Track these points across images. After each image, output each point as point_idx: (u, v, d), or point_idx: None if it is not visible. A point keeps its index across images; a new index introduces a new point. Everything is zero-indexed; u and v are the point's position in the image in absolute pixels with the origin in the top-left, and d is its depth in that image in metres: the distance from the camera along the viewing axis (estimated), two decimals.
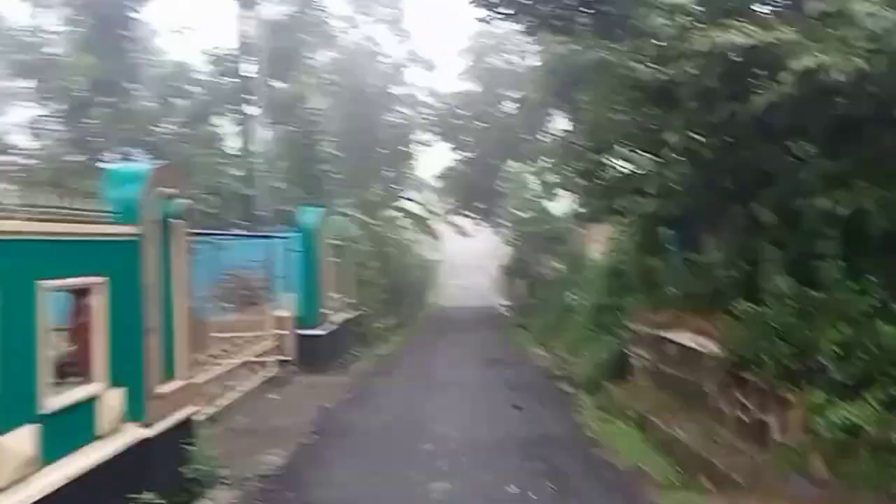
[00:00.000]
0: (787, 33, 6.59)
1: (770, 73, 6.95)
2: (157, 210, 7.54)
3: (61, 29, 19.47)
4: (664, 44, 8.24)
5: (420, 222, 33.27)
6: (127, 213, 7.14)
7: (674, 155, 8.38)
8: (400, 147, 30.34)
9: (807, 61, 6.26)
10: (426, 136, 31.82)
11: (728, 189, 9.27)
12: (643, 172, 8.97)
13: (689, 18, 7.33)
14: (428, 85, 31.98)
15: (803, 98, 6.92)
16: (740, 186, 8.92)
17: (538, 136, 27.70)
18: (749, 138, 8.14)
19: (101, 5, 18.14)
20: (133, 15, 19.57)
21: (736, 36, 6.73)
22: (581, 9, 11.26)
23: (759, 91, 7.20)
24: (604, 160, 11.48)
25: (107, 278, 6.64)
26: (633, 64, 8.48)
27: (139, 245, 7.22)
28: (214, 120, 22.83)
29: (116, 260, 6.92)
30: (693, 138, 7.92)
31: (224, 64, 22.17)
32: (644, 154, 9.51)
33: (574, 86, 14.34)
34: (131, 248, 7.17)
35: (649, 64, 8.29)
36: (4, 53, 20.51)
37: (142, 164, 8.99)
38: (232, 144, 23.01)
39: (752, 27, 6.76)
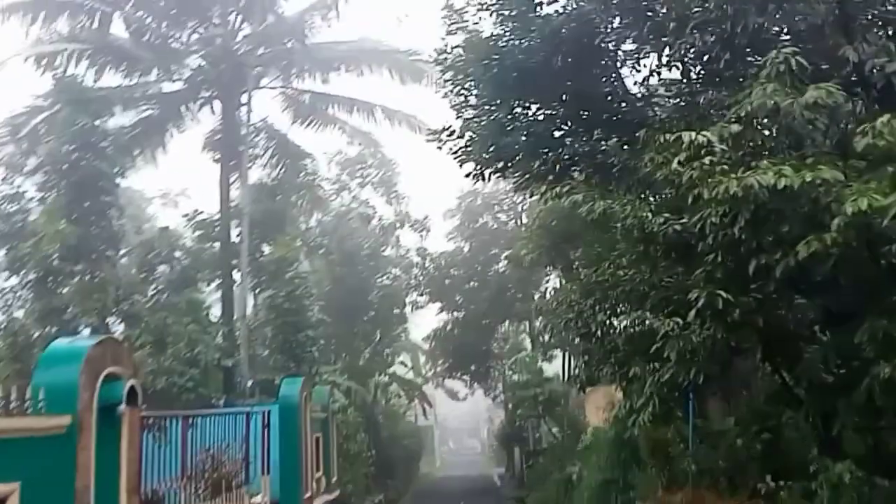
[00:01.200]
0: (830, 172, 5.72)
1: (810, 219, 6.01)
2: (97, 395, 6.24)
3: (38, 195, 18.87)
4: (672, 191, 7.44)
5: (411, 387, 31.66)
6: (58, 401, 5.87)
7: (696, 315, 7.26)
8: (390, 309, 29.34)
9: (858, 204, 5.32)
10: (417, 298, 30.94)
11: (755, 350, 8.17)
12: (657, 334, 7.82)
13: (711, 159, 6.50)
14: (418, 244, 31.50)
15: (848, 247, 5.96)
16: (771, 348, 7.82)
17: (533, 295, 26.86)
18: (783, 294, 7.11)
19: (80, 170, 17.60)
20: (116, 181, 19.11)
21: (769, 177, 5.85)
22: (576, 160, 10.67)
23: (792, 239, 6.27)
24: (606, 320, 10.41)
25: (16, 485, 5.23)
26: (643, 214, 7.60)
27: (71, 439, 5.88)
28: (197, 286, 21.91)
29: (36, 460, 5.54)
30: (719, 296, 6.85)
31: (209, 228, 21.58)
32: (657, 314, 8.40)
33: (570, 241, 13.64)
34: (60, 444, 5.83)
35: (663, 213, 7.42)
36: None
37: (81, 340, 7.79)
38: (215, 311, 21.94)
39: (786, 167, 5.90)
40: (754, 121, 6.89)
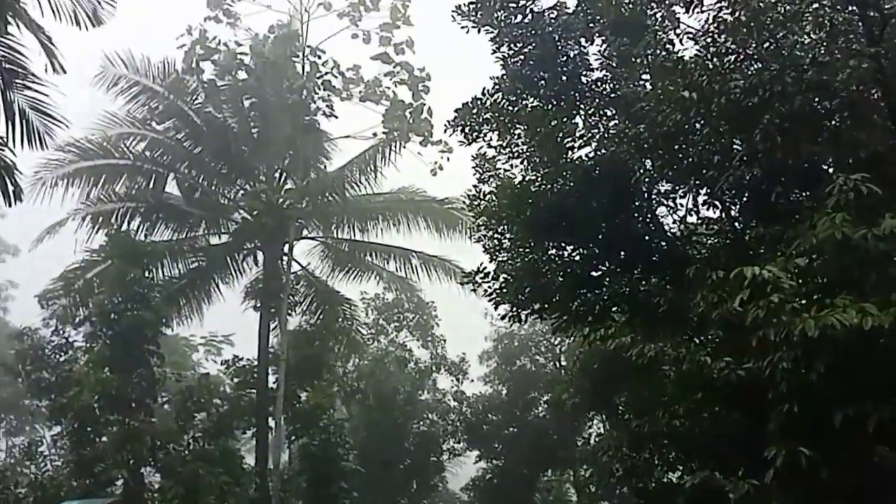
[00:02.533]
0: None
1: None
2: None
3: (85, 345, 18.46)
4: (730, 332, 6.45)
5: None
6: None
7: (773, 476, 6.03)
8: (427, 456, 27.48)
9: None
10: (454, 444, 28.98)
11: None
12: (728, 498, 6.55)
13: (779, 296, 5.58)
14: (454, 388, 29.95)
15: None
16: None
17: (576, 441, 24.98)
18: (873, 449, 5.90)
19: (125, 320, 17.23)
20: (161, 329, 18.70)
21: (852, 316, 4.88)
22: (616, 301, 9.76)
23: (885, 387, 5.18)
24: (664, 477, 9.08)
25: None
26: (700, 358, 6.59)
27: None
28: (233, 434, 20.81)
29: None
30: (802, 453, 5.68)
31: (247, 375, 20.74)
32: (725, 473, 7.13)
33: (614, 385, 12.47)
34: None
35: (723, 358, 6.40)
36: (31, 372, 19.39)
37: (94, 499, 6.80)
38: (249, 460, 20.66)
39: (869, 304, 4.94)
40: (821, 255, 6.00)
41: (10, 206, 8.98)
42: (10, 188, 8.64)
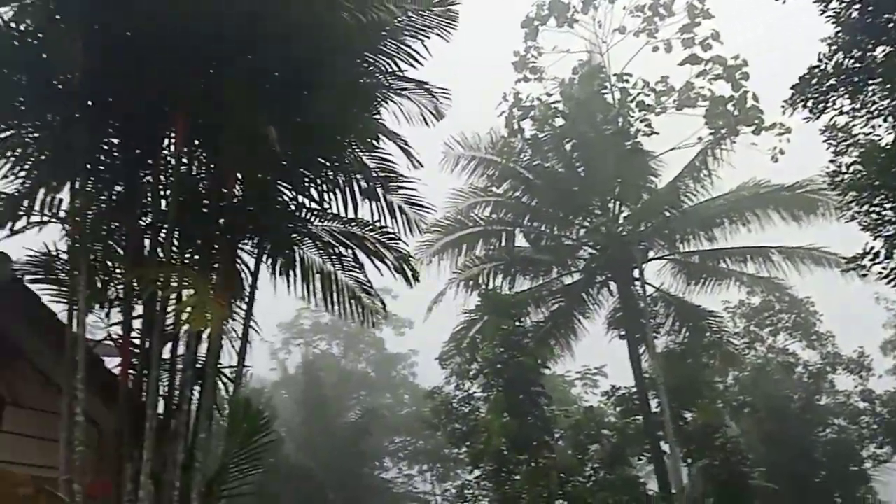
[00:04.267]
0: None
1: None
2: None
3: (482, 395, 20.44)
4: None
5: None
6: None
7: None
8: (845, 467, 24.17)
9: None
10: (876, 451, 25.04)
11: None
12: None
13: None
14: (860, 387, 26.02)
15: None
16: None
17: None
18: None
19: (510, 368, 18.76)
20: (540, 371, 19.93)
21: None
22: None
23: None
24: None
25: None
26: None
27: None
28: (628, 462, 20.92)
29: None
30: None
31: (628, 403, 20.84)
32: None
33: None
34: None
35: None
36: (446, 424, 22.04)
37: None
38: (649, 486, 20.49)
39: None
40: None
41: (411, 287, 10.58)
42: (409, 273, 10.22)
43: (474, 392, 21.42)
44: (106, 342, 8.64)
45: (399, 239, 10.18)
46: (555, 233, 23.01)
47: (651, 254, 22.95)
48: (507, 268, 22.78)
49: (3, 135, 8.44)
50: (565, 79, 22.20)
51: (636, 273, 21.59)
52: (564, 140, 22.02)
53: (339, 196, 10.02)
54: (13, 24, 8.15)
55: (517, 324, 20.61)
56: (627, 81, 21.23)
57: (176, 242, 8.71)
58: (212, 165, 9.41)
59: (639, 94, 21.02)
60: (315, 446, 30.27)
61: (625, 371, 21.73)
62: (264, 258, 9.65)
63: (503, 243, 22.80)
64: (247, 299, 9.24)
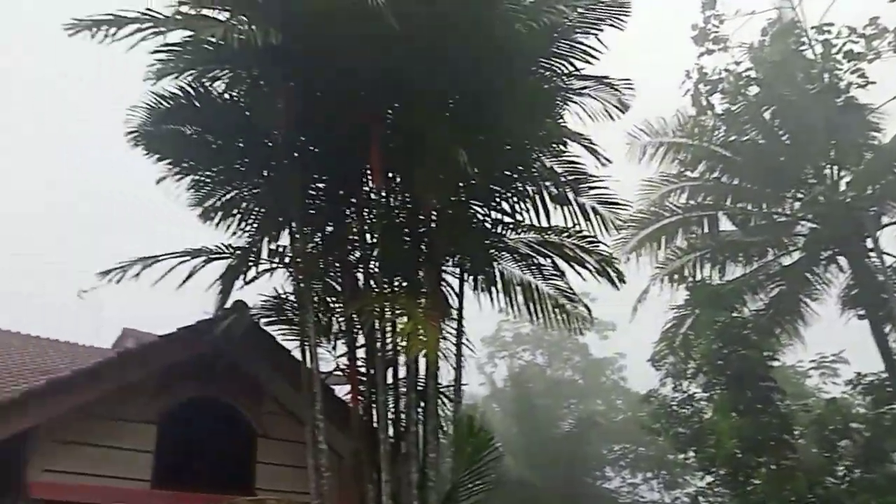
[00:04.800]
0: None
1: None
2: None
3: (704, 395, 19.28)
4: None
5: None
6: None
7: None
8: None
9: None
10: None
11: None
12: None
13: None
14: None
15: None
16: None
17: None
18: None
19: (732, 364, 17.49)
20: (768, 364, 18.39)
21: None
22: None
23: None
24: None
25: None
26: None
27: None
28: (890, 458, 18.53)
29: None
30: None
31: (880, 392, 18.51)
32: None
33: None
34: None
35: None
36: (668, 429, 21.10)
37: None
38: None
39: None
40: None
41: (617, 289, 10.30)
42: (613, 274, 9.97)
43: (694, 392, 20.23)
44: (335, 373, 9.36)
45: (598, 241, 9.98)
46: (764, 211, 21.18)
47: (885, 219, 20.31)
48: (713, 255, 21.33)
49: (228, 196, 9.55)
50: (754, 43, 20.48)
51: (869, 243, 19.21)
52: (762, 109, 20.24)
53: (530, 206, 10.08)
54: (225, 95, 9.22)
55: (733, 315, 19.19)
56: (829, 32, 19.10)
57: (384, 271, 9.22)
58: (406, 195, 9.88)
59: (844, 43, 18.80)
60: (533, 458, 30.35)
61: (870, 355, 19.35)
62: (466, 276, 9.92)
63: (706, 230, 21.39)
64: (455, 319, 9.55)
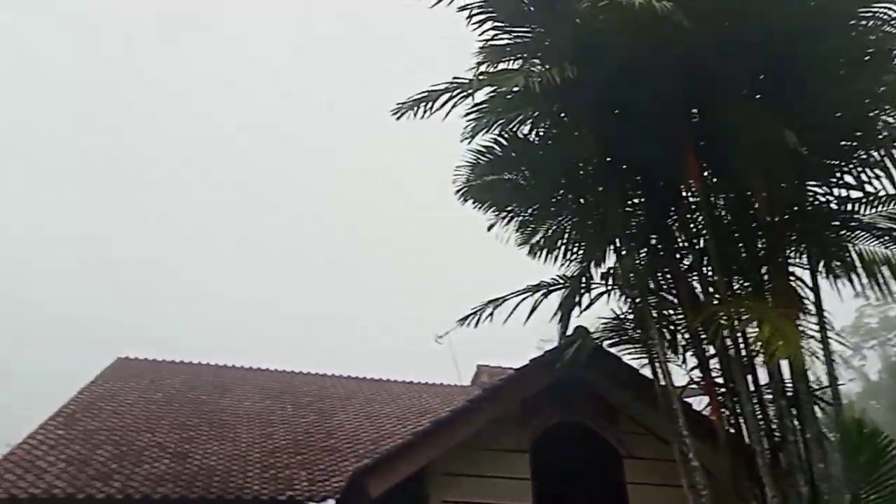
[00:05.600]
0: None
1: None
2: None
3: None
4: None
5: None
6: None
7: None
8: None
9: None
10: None
11: None
12: None
13: None
14: None
15: None
16: None
17: None
18: None
19: None
20: None
21: None
22: None
23: None
24: None
25: None
26: None
27: None
28: None
29: None
30: None
31: None
32: None
33: None
34: None
35: None
36: None
37: None
38: None
39: None
40: None
41: None
42: None
43: None
44: (689, 386, 9.19)
45: None
46: None
47: None
48: None
49: (551, 230, 10.10)
50: None
51: None
52: None
53: (881, 173, 8.90)
54: (530, 136, 9.82)
55: None
56: None
57: (721, 275, 8.85)
58: (729, 193, 9.42)
59: None
60: None
61: None
62: (817, 265, 9.07)
63: None
64: (814, 313, 8.76)
